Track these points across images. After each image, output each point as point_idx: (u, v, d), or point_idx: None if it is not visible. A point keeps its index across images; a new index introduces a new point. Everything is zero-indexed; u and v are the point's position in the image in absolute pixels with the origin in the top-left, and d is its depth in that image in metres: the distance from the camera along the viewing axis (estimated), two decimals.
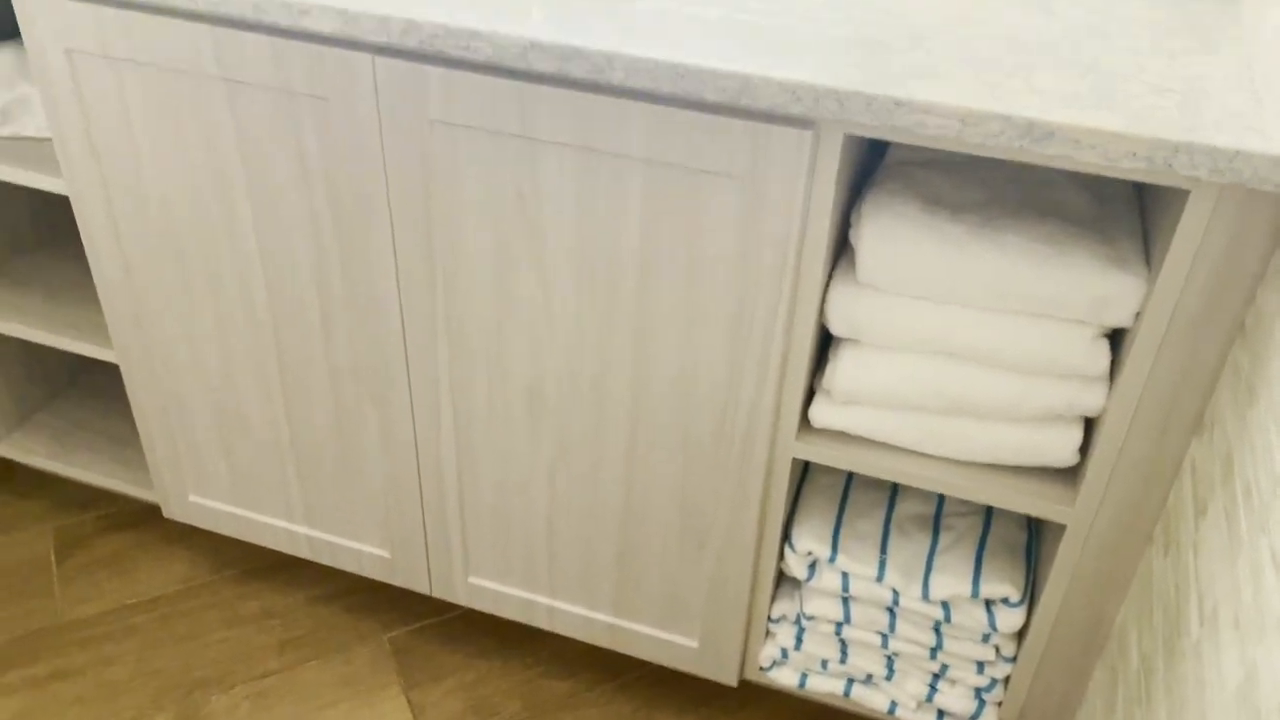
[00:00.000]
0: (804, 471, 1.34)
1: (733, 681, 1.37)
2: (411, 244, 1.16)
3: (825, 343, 1.20)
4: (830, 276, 1.09)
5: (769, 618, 1.31)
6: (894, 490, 1.32)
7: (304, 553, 1.50)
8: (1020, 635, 1.24)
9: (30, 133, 1.38)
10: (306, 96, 1.11)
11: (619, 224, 1.07)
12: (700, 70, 0.94)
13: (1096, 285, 0.98)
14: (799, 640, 1.30)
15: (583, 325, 1.15)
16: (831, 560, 1.23)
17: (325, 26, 1.04)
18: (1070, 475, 1.13)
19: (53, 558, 1.64)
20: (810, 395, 1.17)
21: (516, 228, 1.11)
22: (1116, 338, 1.07)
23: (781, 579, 1.34)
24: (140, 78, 1.16)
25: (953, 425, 1.10)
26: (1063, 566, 1.13)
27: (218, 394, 1.40)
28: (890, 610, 1.24)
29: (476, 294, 1.17)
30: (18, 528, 1.68)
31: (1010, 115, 0.87)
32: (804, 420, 1.16)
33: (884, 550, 1.23)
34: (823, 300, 1.08)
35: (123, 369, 1.43)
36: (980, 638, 1.22)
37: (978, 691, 1.27)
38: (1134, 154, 0.86)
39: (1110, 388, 1.05)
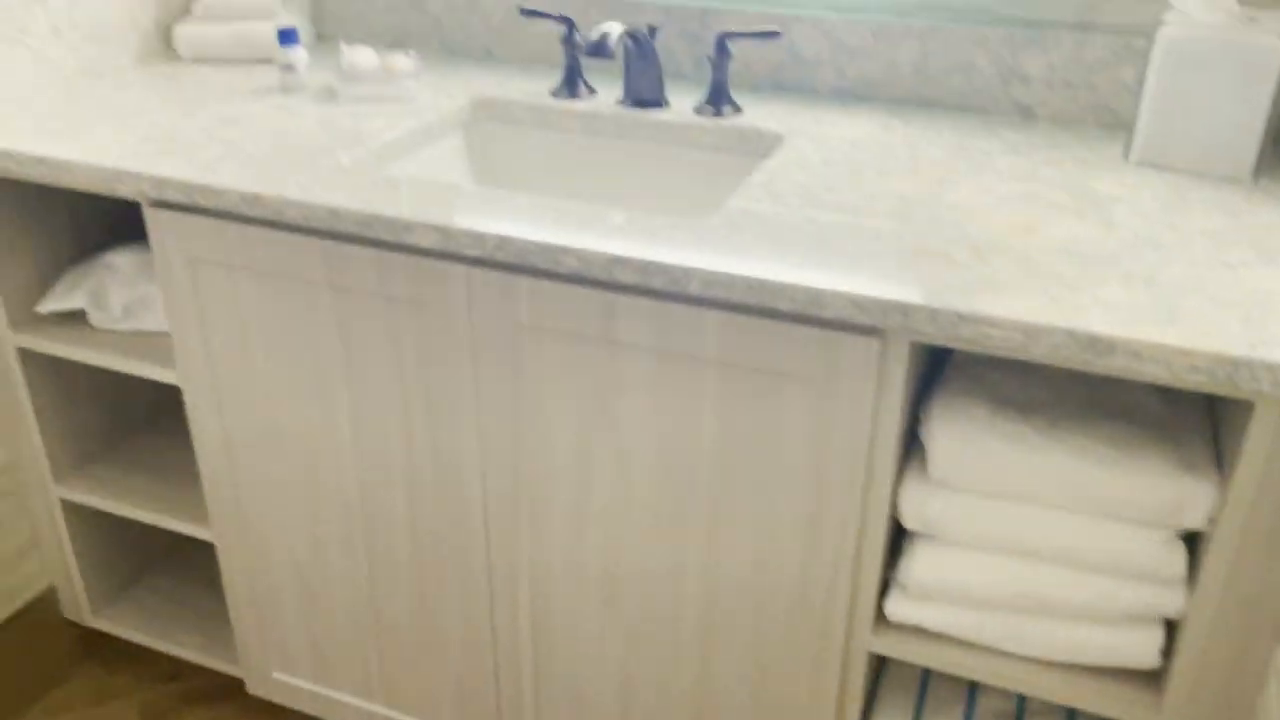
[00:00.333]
0: (881, 663, 1.33)
1: None
2: (497, 438, 1.22)
3: (899, 534, 1.21)
4: (902, 471, 1.12)
5: None
6: (973, 686, 1.30)
7: None
8: None
9: (149, 327, 1.49)
10: (406, 302, 1.19)
11: (695, 422, 1.12)
12: (772, 284, 1.00)
13: (1167, 489, 1.00)
14: None
15: (659, 518, 1.18)
16: None
17: (426, 241, 1.13)
18: (1155, 677, 1.11)
19: None
20: (885, 586, 1.18)
21: (597, 424, 1.16)
22: (1197, 539, 1.06)
23: None
24: (255, 283, 1.27)
25: (1032, 624, 1.10)
26: None
27: (306, 575, 1.45)
28: None
29: (557, 486, 1.22)
30: (106, 700, 1.72)
31: (1073, 329, 0.91)
32: (880, 614, 1.17)
33: None
34: (895, 496, 1.10)
35: (218, 548, 1.50)
36: None
37: None
38: (1195, 368, 0.88)
39: (1190, 591, 1.04)
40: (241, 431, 1.38)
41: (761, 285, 1.01)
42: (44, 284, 1.53)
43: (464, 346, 1.19)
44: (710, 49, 1.57)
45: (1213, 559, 0.99)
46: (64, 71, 1.55)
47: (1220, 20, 1.22)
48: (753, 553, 1.16)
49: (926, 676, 1.30)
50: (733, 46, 1.56)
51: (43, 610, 1.72)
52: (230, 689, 1.75)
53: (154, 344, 1.48)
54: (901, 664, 1.33)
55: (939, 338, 0.98)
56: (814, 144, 1.35)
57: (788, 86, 1.56)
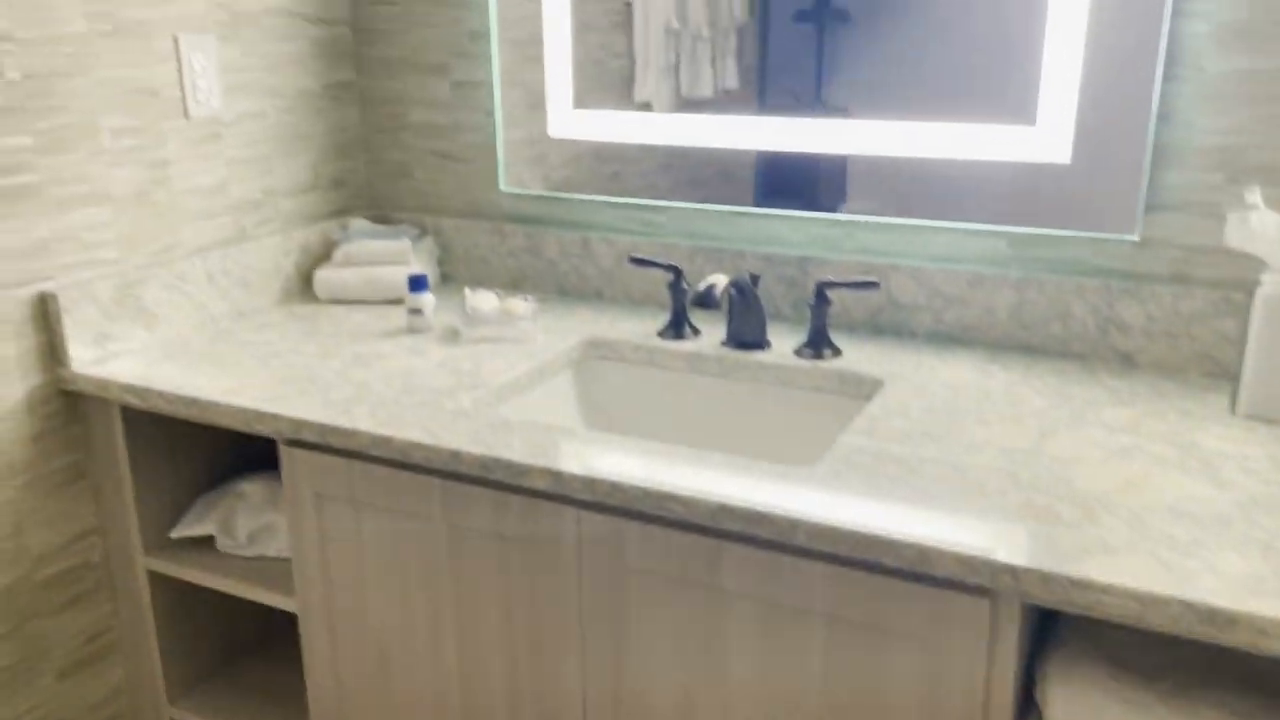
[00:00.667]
0: None
1: None
2: (600, 677, 1.23)
3: None
4: None
5: None
6: None
7: None
8: None
9: (271, 553, 1.56)
10: (517, 541, 1.24)
11: (801, 673, 1.11)
12: (880, 540, 1.02)
13: None
14: None
15: None
16: None
17: (540, 484, 1.18)
18: None
19: None
20: None
21: (701, 668, 1.16)
22: None
23: None
24: (375, 518, 1.33)
25: None
26: None
27: None
28: None
29: None
30: None
31: (1191, 602, 0.90)
32: None
33: None
34: None
35: None
36: None
37: None
38: None
39: None
40: (352, 660, 1.42)
41: (869, 541, 1.02)
42: (177, 508, 1.62)
43: (571, 586, 1.22)
44: (809, 294, 1.65)
45: None
46: (212, 313, 1.69)
47: None
48: None
49: None
50: (831, 294, 1.63)
51: None
52: None
53: (273, 570, 1.54)
54: None
55: (1051, 601, 0.97)
56: (913, 389, 1.39)
57: (885, 329, 1.62)
